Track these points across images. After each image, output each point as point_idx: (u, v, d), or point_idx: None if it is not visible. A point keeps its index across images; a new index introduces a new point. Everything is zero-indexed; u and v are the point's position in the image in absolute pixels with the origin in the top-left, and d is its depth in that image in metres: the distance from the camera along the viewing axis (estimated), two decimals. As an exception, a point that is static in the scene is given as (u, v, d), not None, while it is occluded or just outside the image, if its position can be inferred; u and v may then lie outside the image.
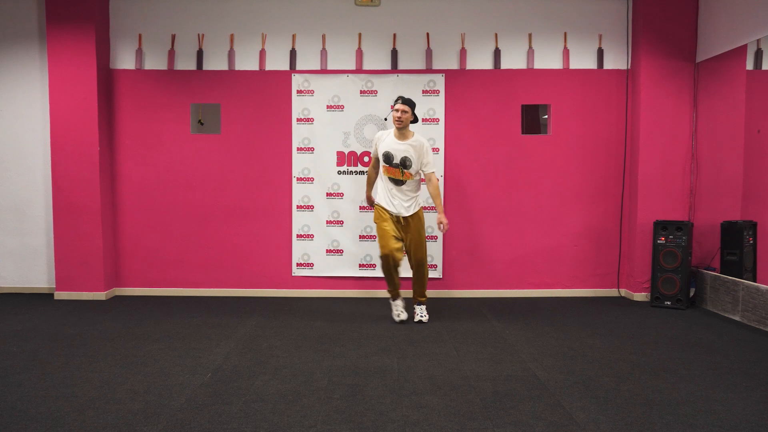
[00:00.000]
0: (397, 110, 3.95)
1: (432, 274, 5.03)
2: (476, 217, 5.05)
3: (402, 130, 4.00)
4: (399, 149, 3.99)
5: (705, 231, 4.70)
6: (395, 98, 4.13)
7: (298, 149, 5.01)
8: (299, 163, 5.02)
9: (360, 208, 5.00)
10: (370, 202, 4.40)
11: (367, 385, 2.89)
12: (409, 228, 4.08)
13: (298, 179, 5.03)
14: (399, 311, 4.17)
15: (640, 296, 4.94)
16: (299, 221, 5.06)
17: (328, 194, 5.02)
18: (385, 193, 4.09)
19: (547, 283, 5.10)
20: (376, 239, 4.32)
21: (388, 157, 4.01)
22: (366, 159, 4.95)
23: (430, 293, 4.98)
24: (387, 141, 4.04)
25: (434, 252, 5.03)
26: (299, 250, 5.07)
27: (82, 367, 3.13)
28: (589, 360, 3.30)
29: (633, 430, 2.38)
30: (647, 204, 4.87)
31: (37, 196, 5.11)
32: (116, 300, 4.91)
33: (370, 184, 4.34)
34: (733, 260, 4.34)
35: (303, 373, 3.07)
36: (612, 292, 5.12)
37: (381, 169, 4.10)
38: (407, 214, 4.05)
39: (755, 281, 4.13)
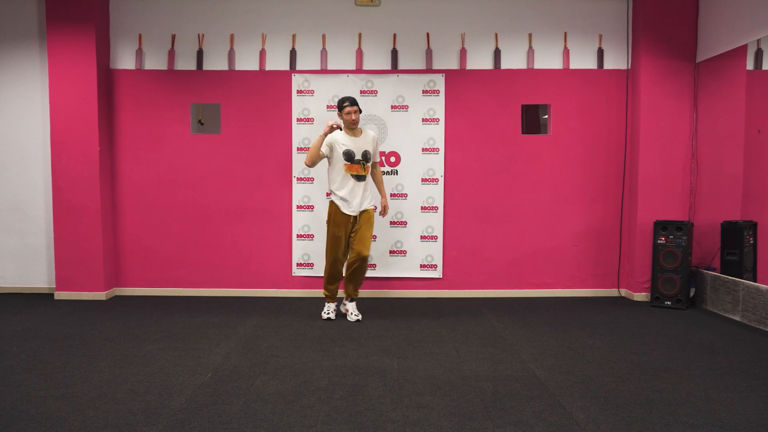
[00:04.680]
0: (349, 113, 4.04)
1: (432, 274, 5.03)
2: (476, 217, 5.05)
3: (354, 129, 4.13)
4: (358, 145, 4.10)
5: (705, 231, 4.70)
6: (341, 101, 4.06)
7: (298, 149, 5.01)
8: (299, 163, 5.02)
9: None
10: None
11: (367, 385, 2.89)
12: (360, 222, 4.14)
13: (298, 179, 5.04)
14: (331, 311, 4.27)
15: (640, 296, 4.94)
16: (299, 221, 5.06)
17: (328, 194, 5.02)
18: (345, 193, 4.09)
19: (547, 283, 5.10)
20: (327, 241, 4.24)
21: (349, 155, 4.07)
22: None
23: (431, 293, 4.99)
24: (341, 140, 4.09)
25: (434, 252, 5.03)
26: (299, 250, 5.07)
27: (82, 367, 3.14)
28: (589, 360, 3.30)
29: (633, 430, 2.38)
30: (647, 204, 4.87)
31: (37, 196, 5.11)
32: (116, 300, 4.91)
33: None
34: (733, 260, 4.34)
35: (303, 373, 3.07)
36: (612, 292, 5.12)
37: (342, 168, 4.08)
38: (363, 209, 4.13)
39: (755, 281, 4.12)
